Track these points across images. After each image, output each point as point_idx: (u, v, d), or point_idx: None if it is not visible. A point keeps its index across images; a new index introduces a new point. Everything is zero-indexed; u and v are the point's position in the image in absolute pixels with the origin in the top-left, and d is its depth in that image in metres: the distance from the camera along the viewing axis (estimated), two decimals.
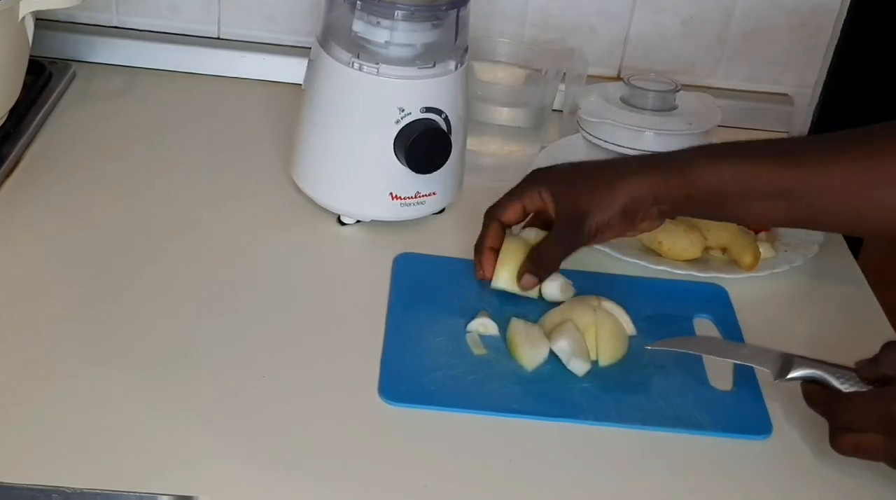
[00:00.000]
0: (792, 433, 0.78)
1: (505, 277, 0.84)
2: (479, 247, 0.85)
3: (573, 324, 0.81)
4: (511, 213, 0.85)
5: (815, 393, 0.74)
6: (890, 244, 1.28)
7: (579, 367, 0.79)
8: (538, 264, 0.83)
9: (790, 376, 0.75)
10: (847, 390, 0.73)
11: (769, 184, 0.79)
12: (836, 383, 0.74)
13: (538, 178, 0.84)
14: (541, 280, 0.83)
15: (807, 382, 0.75)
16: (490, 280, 0.85)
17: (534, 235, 0.85)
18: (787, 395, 0.80)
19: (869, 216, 0.79)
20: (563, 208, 0.82)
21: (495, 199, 1.00)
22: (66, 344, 0.78)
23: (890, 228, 0.78)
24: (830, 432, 0.72)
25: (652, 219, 0.83)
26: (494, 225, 0.85)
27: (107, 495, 0.66)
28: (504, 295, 0.87)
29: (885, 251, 1.26)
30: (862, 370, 0.74)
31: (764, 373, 0.78)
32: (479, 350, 0.81)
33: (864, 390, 0.73)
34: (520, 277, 0.83)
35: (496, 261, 0.84)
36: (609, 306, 0.84)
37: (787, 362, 0.76)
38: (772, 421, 0.78)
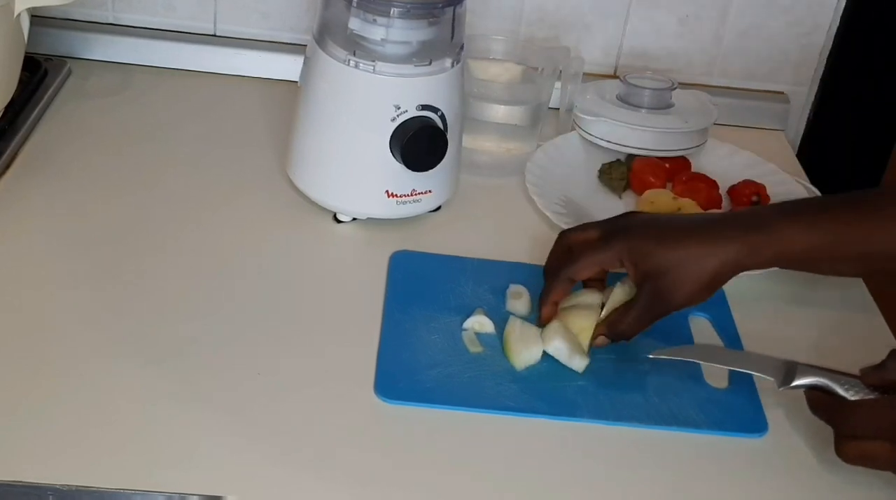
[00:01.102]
0: (787, 431, 0.78)
1: (556, 345, 0.80)
2: (544, 301, 0.82)
3: (564, 326, 0.81)
4: (587, 275, 0.81)
5: (820, 400, 0.74)
6: None
7: (578, 363, 0.79)
8: (617, 334, 0.80)
9: (794, 384, 0.75)
10: (852, 398, 0.73)
11: (856, 246, 0.78)
12: (840, 390, 0.73)
13: (619, 242, 0.79)
14: (613, 342, 0.81)
15: (810, 389, 0.75)
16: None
17: (591, 298, 0.82)
18: (782, 394, 0.80)
19: None
20: (647, 280, 0.78)
21: (491, 197, 1.01)
22: (64, 341, 0.78)
23: None
24: (836, 439, 0.72)
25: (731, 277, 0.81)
26: (566, 285, 0.82)
27: (102, 493, 0.66)
28: (502, 295, 0.87)
29: None
30: (867, 377, 0.73)
31: (767, 382, 0.77)
32: (475, 348, 0.81)
33: (870, 397, 0.72)
34: (594, 338, 0.80)
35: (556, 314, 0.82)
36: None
37: (790, 369, 0.76)
38: (767, 419, 0.78)
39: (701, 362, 0.82)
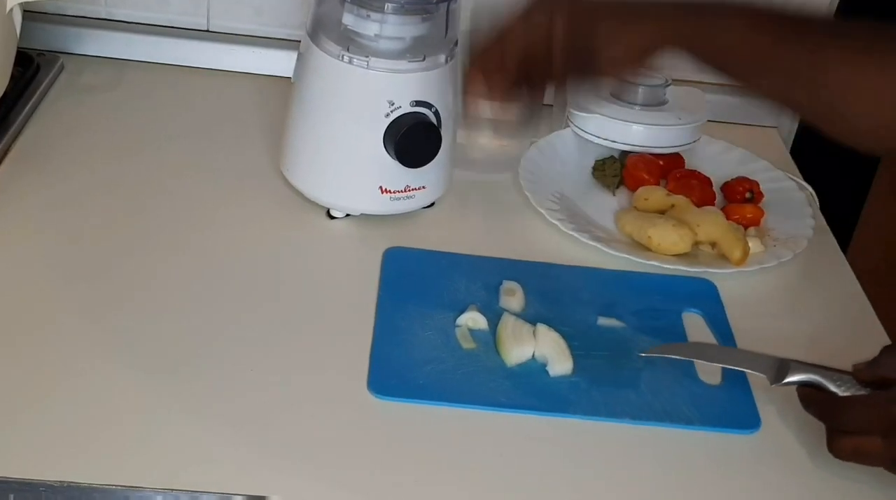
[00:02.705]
0: (780, 427, 0.78)
1: (516, 354, 0.80)
2: (475, 75, 0.78)
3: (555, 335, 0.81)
4: (518, 39, 0.77)
5: (812, 397, 0.74)
6: (879, 240, 1.28)
7: (559, 369, 0.79)
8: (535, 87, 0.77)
9: (786, 380, 0.75)
10: (844, 394, 0.73)
11: (779, 60, 0.74)
12: (832, 386, 0.73)
13: (555, 6, 0.76)
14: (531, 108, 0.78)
15: (803, 386, 0.75)
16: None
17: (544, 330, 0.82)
18: (775, 390, 0.80)
19: (855, 115, 0.75)
20: (574, 44, 0.76)
21: (485, 193, 1.01)
22: (58, 338, 0.77)
23: (869, 135, 0.75)
24: (828, 436, 0.72)
25: (659, 58, 0.78)
26: (497, 53, 0.77)
27: (95, 489, 0.66)
28: (495, 291, 0.87)
29: (874, 246, 1.26)
30: (859, 373, 0.73)
31: (760, 378, 0.78)
32: (468, 344, 0.81)
33: (862, 393, 0.72)
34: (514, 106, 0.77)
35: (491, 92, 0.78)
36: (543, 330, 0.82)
37: (782, 366, 0.76)
38: (760, 415, 0.78)
39: (694, 360, 0.82)
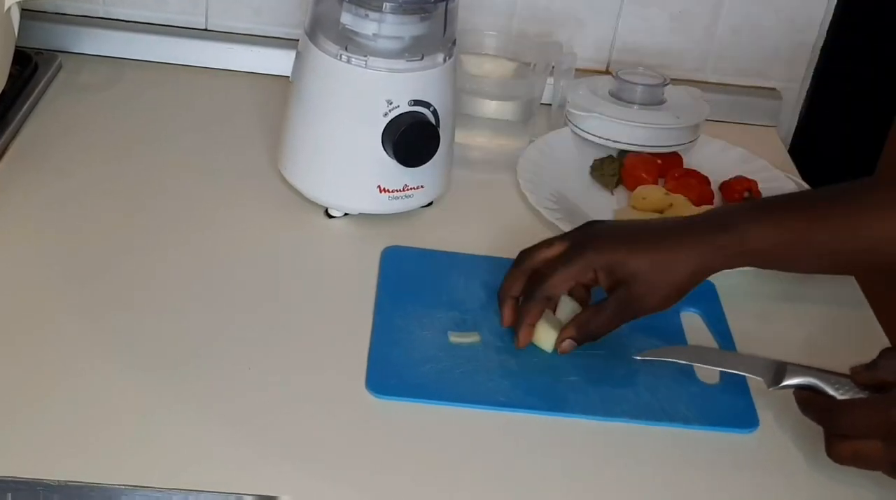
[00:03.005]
0: (778, 426, 0.78)
1: (545, 340, 0.81)
2: (525, 320, 0.80)
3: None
4: (563, 289, 0.80)
5: (810, 400, 0.73)
6: None
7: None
8: (585, 335, 0.80)
9: (784, 384, 0.75)
10: (842, 397, 0.72)
11: (824, 244, 0.79)
12: (830, 390, 0.73)
13: (590, 252, 0.79)
14: (579, 345, 0.80)
15: (800, 389, 0.74)
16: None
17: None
18: (773, 391, 0.81)
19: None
20: (622, 289, 0.78)
21: (483, 192, 1.01)
22: (56, 337, 0.77)
23: None
24: (826, 440, 0.71)
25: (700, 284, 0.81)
26: (543, 304, 0.80)
27: (93, 488, 0.66)
28: (492, 289, 0.87)
29: None
30: (858, 376, 0.73)
31: (757, 381, 0.77)
32: (466, 340, 0.81)
33: (861, 396, 0.72)
34: (560, 341, 0.80)
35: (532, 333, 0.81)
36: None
37: (780, 370, 0.75)
38: (758, 415, 0.78)
39: (690, 363, 0.81)
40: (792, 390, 0.75)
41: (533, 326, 0.80)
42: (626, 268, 0.78)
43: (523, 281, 0.81)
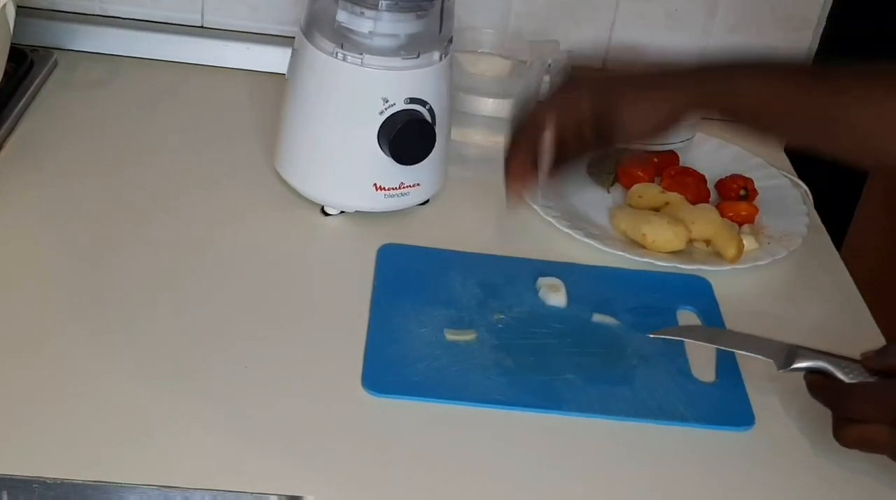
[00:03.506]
0: (774, 424, 0.78)
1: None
2: (514, 160, 0.81)
3: None
4: (552, 114, 0.79)
5: (819, 383, 0.74)
6: (873, 237, 1.28)
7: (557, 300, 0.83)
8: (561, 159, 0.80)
9: (794, 366, 0.75)
10: (851, 382, 0.73)
11: (806, 107, 0.77)
12: (840, 374, 0.73)
13: (580, 86, 0.80)
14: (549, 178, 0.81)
15: (810, 373, 0.75)
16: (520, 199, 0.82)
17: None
18: (769, 387, 0.81)
19: (885, 146, 0.77)
20: (600, 119, 0.79)
21: (480, 190, 1.01)
22: (50, 332, 0.77)
23: None
24: (834, 423, 0.72)
25: (684, 125, 0.81)
26: (534, 132, 0.79)
27: (88, 486, 0.66)
28: (488, 287, 0.87)
29: (868, 243, 1.26)
30: (868, 361, 0.73)
31: (754, 375, 0.78)
32: (462, 338, 0.81)
33: (870, 381, 0.72)
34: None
35: (531, 174, 0.80)
36: None
37: (791, 353, 0.76)
38: (754, 413, 0.78)
39: (702, 343, 0.81)
40: (786, 377, 0.75)
41: (524, 163, 0.80)
42: (614, 93, 0.78)
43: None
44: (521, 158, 0.80)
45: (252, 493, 0.67)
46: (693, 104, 0.78)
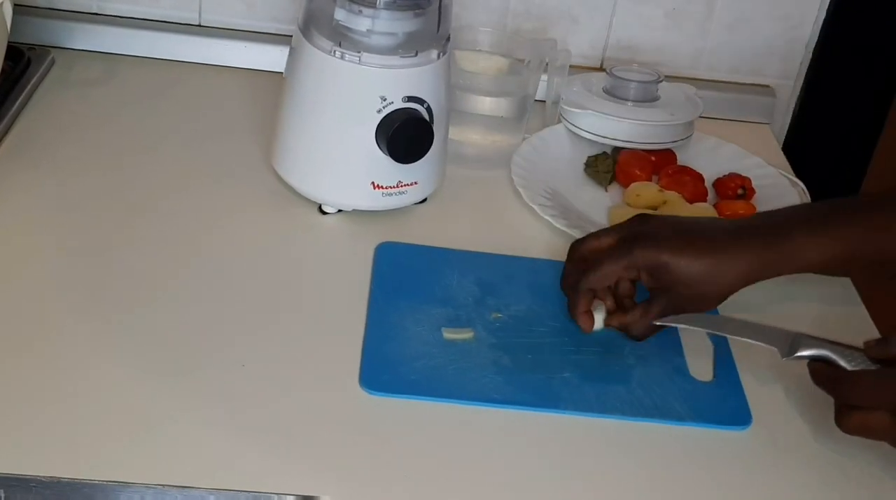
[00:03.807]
0: (771, 423, 0.78)
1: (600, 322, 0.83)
2: (574, 314, 0.82)
3: None
4: (606, 283, 0.81)
5: (822, 371, 0.75)
6: None
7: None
8: (631, 336, 0.82)
9: (798, 354, 0.75)
10: (854, 369, 0.73)
11: (873, 255, 0.80)
12: (842, 362, 0.74)
13: (637, 250, 0.79)
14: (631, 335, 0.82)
15: (814, 361, 0.75)
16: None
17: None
18: (766, 386, 0.81)
19: None
20: (666, 296, 0.79)
21: (477, 189, 1.01)
22: (47, 330, 0.77)
23: None
24: (836, 410, 0.73)
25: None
26: (588, 296, 0.81)
27: (84, 484, 0.66)
28: (486, 286, 0.87)
29: None
30: (870, 350, 0.74)
31: (751, 373, 0.78)
32: (459, 336, 0.81)
33: (872, 368, 0.73)
34: (608, 325, 0.82)
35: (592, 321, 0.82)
36: None
37: (794, 341, 0.76)
38: (751, 412, 0.78)
39: (706, 330, 0.82)
40: (782, 374, 0.75)
41: (586, 313, 0.81)
42: (670, 273, 0.78)
43: (578, 272, 0.82)
44: (579, 312, 0.82)
45: (249, 491, 0.67)
46: (758, 273, 0.80)
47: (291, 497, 0.68)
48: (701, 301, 0.80)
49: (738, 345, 0.84)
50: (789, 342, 0.76)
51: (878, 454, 0.75)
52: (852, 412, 0.72)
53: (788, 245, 0.79)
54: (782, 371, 0.82)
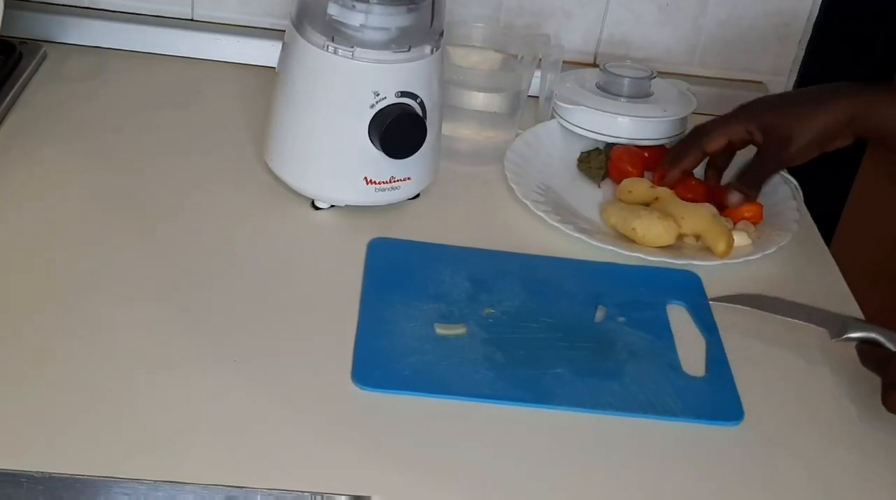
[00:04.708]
0: (763, 419, 0.78)
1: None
2: (675, 162, 0.97)
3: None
4: (717, 144, 0.96)
5: (870, 352, 0.78)
6: (862, 233, 1.29)
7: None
8: (748, 184, 0.96)
9: (847, 336, 0.80)
10: None
11: None
12: (890, 344, 0.78)
13: (746, 114, 0.95)
14: (749, 199, 0.96)
15: (862, 343, 0.79)
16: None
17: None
18: (758, 381, 0.81)
19: None
20: (769, 138, 0.93)
21: (470, 184, 1.01)
22: (42, 328, 0.77)
23: None
24: (883, 389, 0.76)
25: (844, 138, 0.92)
26: (698, 154, 0.97)
27: (76, 480, 0.66)
28: (479, 283, 0.87)
29: (858, 239, 1.27)
30: None
31: (745, 369, 0.78)
32: (452, 332, 0.81)
33: None
34: (729, 192, 0.96)
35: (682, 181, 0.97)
36: None
37: (844, 323, 0.81)
38: (743, 407, 0.79)
39: (761, 311, 0.86)
40: (775, 370, 0.78)
41: (686, 171, 0.97)
42: (773, 116, 0.93)
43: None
44: (680, 167, 0.97)
45: (239, 487, 0.67)
46: (852, 115, 0.90)
47: (285, 493, 0.68)
48: (801, 139, 0.91)
49: (731, 341, 0.84)
50: (839, 325, 0.81)
51: (864, 450, 0.76)
52: None
53: (880, 96, 0.90)
54: (774, 367, 0.82)
